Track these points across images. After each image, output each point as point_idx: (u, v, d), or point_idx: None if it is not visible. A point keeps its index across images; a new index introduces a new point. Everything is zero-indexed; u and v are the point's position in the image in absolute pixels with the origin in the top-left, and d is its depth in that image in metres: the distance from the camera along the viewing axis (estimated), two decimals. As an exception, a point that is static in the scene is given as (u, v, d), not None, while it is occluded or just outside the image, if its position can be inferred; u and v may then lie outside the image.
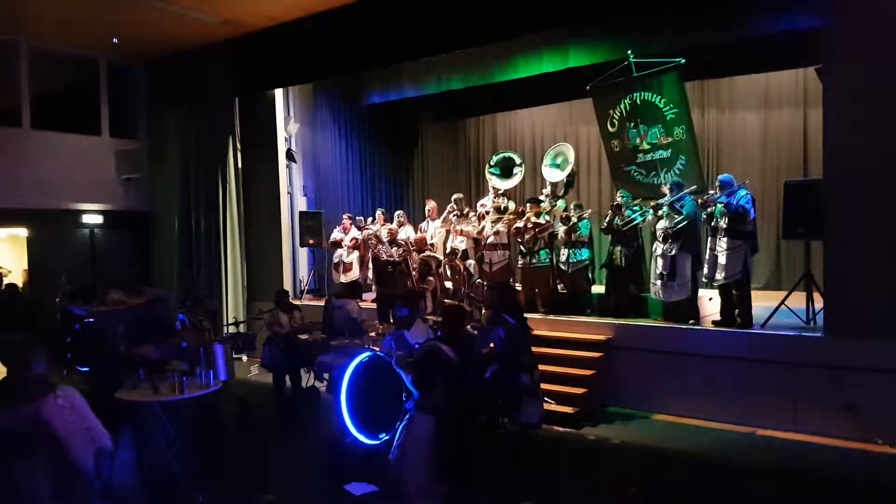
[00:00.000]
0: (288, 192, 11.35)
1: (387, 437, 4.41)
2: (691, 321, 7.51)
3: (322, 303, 9.78)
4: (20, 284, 11.58)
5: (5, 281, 12.16)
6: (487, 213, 9.52)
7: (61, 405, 3.14)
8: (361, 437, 4.72)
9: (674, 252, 7.52)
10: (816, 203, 6.69)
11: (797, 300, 7.23)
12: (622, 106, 8.99)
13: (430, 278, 8.72)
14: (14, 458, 3.14)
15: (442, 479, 3.91)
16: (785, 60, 9.04)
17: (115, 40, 10.64)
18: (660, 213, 7.77)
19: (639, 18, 8.38)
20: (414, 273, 9.04)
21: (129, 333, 6.16)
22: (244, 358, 10.04)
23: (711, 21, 8.10)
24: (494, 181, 10.31)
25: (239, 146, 11.13)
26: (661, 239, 7.70)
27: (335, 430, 5.19)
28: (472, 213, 9.95)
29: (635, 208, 8.26)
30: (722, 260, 7.16)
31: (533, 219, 8.72)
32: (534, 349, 6.64)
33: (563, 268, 8.66)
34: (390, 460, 4.38)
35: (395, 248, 9.62)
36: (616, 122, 9.16)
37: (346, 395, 4.99)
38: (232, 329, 9.16)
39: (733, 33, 8.18)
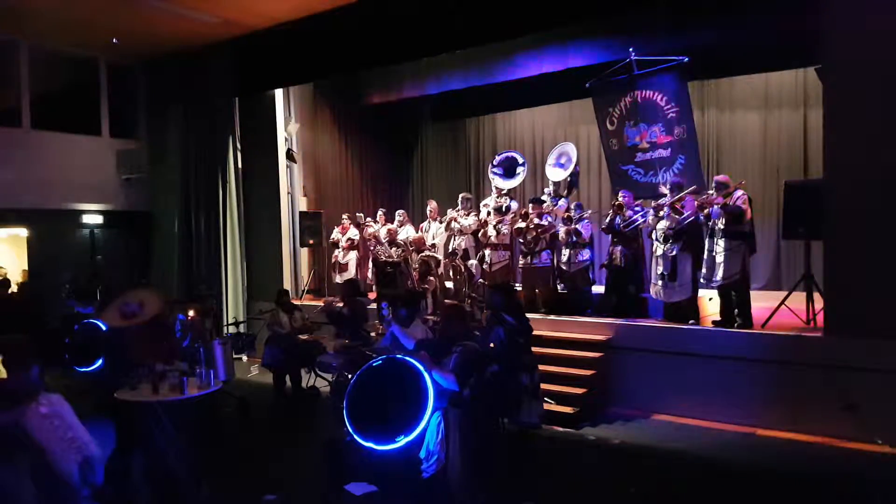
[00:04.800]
0: (288, 192, 11.35)
1: (406, 439, 4.39)
2: (691, 321, 7.51)
3: (323, 303, 9.74)
4: (18, 284, 11.53)
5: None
6: (490, 213, 9.53)
7: (44, 413, 3.05)
8: (373, 445, 4.66)
9: (675, 252, 7.52)
10: (816, 203, 6.69)
11: (797, 300, 7.23)
12: (622, 104, 9.00)
13: (431, 278, 8.71)
14: None
15: (484, 470, 4.06)
16: (785, 60, 9.04)
17: (115, 40, 10.63)
18: (660, 213, 7.77)
19: (639, 18, 8.39)
20: (414, 273, 9.04)
21: (140, 338, 6.13)
22: (244, 358, 10.05)
23: (712, 21, 8.11)
24: (497, 181, 10.30)
25: (239, 146, 11.14)
26: (661, 240, 7.69)
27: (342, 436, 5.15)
28: (473, 214, 9.94)
29: (637, 209, 8.25)
30: (720, 261, 7.17)
31: (535, 220, 8.71)
32: (534, 349, 6.66)
33: (564, 268, 8.65)
34: (425, 459, 4.41)
35: (394, 249, 9.64)
36: (615, 121, 9.18)
37: (351, 405, 4.93)
38: (232, 329, 9.16)
39: (733, 33, 8.18)
